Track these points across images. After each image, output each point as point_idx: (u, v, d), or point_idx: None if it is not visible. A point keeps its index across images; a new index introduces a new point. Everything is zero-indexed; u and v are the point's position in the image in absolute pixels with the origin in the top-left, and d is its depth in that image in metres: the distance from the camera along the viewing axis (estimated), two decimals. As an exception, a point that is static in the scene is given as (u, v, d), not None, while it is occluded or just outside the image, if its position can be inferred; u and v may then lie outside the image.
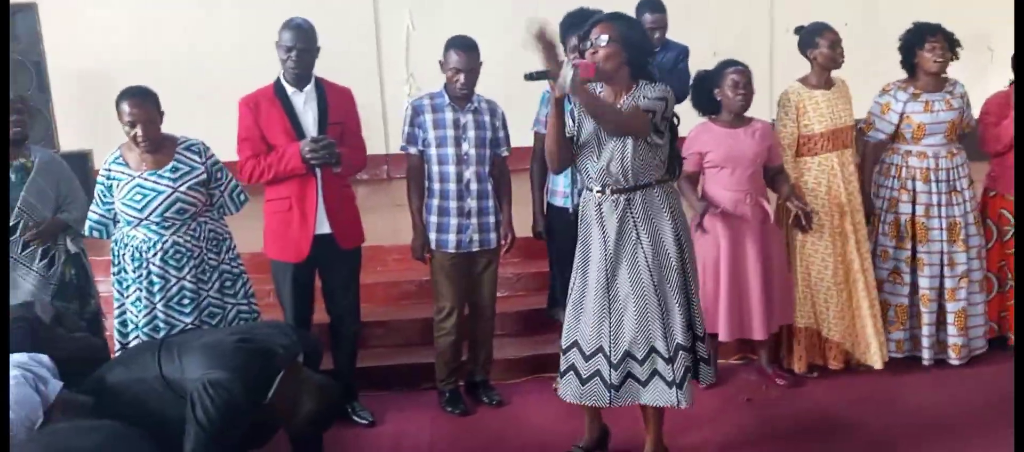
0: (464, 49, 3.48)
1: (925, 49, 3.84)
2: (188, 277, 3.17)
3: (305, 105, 3.40)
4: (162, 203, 3.13)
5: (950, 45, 3.85)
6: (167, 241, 3.14)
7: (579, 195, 3.23)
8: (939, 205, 3.92)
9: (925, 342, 4.01)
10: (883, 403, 3.71)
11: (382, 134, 7.07)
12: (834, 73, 3.90)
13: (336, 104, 3.45)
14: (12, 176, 3.43)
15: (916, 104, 3.90)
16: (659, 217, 2.84)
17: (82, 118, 6.47)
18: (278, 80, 3.42)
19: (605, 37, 2.73)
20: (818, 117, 3.82)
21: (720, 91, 3.63)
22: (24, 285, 3.43)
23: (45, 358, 2.54)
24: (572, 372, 2.98)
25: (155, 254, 3.14)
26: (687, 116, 3.86)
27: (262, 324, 3.05)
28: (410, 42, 7.44)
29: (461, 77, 3.48)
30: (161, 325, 3.14)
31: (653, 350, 2.85)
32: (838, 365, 3.98)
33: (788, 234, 3.91)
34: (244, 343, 2.55)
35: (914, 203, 3.94)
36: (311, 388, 2.59)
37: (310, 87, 3.41)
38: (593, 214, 2.89)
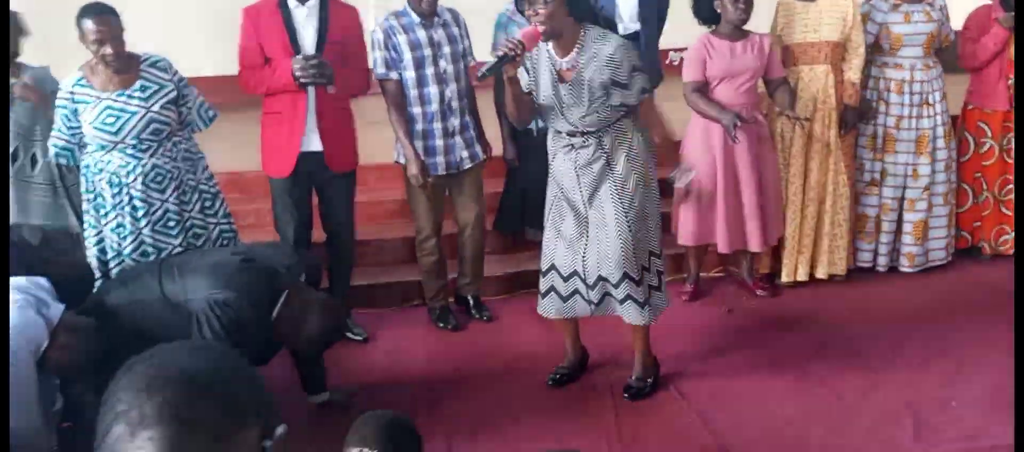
0: None
1: None
2: (171, 199, 3.05)
3: (306, 20, 3.32)
4: (136, 124, 2.98)
5: None
6: (146, 164, 3.01)
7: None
8: (909, 117, 4.01)
9: (882, 249, 4.18)
10: (855, 309, 3.86)
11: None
12: None
13: (338, 22, 3.37)
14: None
15: (896, 15, 3.94)
16: (627, 147, 2.93)
17: (41, 33, 6.21)
18: None
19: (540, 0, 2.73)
20: (794, 29, 3.85)
21: (721, 2, 3.61)
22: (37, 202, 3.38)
23: (43, 281, 2.51)
24: (553, 292, 3.09)
25: (135, 179, 3.00)
26: (689, 25, 3.86)
27: (263, 244, 3.04)
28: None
29: None
30: (149, 249, 3.05)
31: (626, 275, 2.94)
32: (802, 276, 4.09)
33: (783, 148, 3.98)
34: (248, 263, 2.55)
35: (887, 115, 4.03)
36: (315, 306, 2.60)
37: (314, 2, 3.32)
38: (567, 147, 2.95)
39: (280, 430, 0.88)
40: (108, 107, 2.99)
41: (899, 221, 4.16)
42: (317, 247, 3.67)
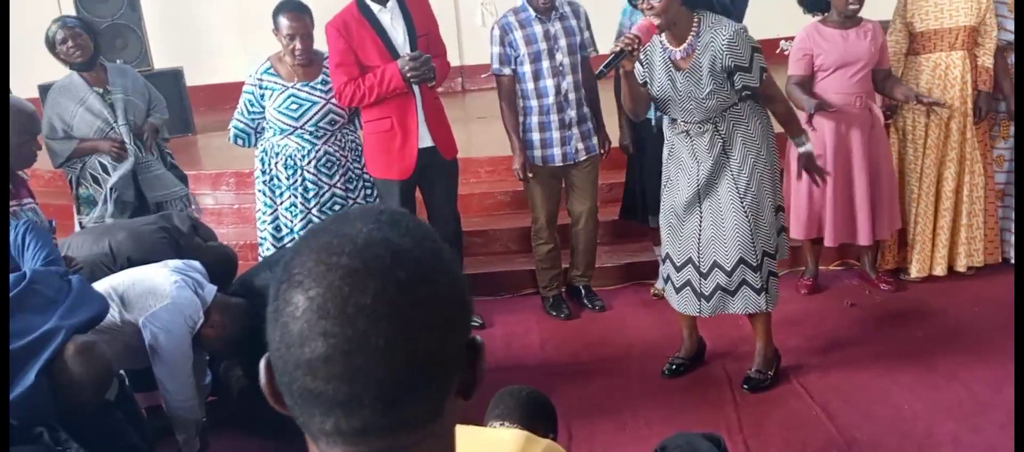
0: None
1: None
2: (338, 184, 3.39)
3: (392, 21, 3.38)
4: (317, 113, 3.32)
5: None
6: (319, 150, 3.34)
7: None
8: None
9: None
10: (989, 304, 3.68)
11: (456, 45, 7.06)
12: None
13: (419, 15, 3.44)
14: (98, 104, 3.53)
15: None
16: (744, 133, 2.89)
17: (173, 36, 6.62)
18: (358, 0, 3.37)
19: None
20: (921, 15, 3.70)
21: None
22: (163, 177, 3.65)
23: (197, 263, 2.70)
24: (669, 282, 3.11)
25: (309, 162, 3.34)
26: (794, 15, 3.79)
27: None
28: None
29: None
30: None
31: (742, 261, 2.92)
32: (922, 272, 3.93)
33: (900, 139, 3.85)
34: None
35: None
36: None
37: (392, 1, 3.38)
38: (682, 135, 2.95)
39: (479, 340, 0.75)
40: (293, 95, 3.30)
41: None
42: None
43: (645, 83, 2.97)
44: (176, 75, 5.99)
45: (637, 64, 2.92)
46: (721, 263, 2.95)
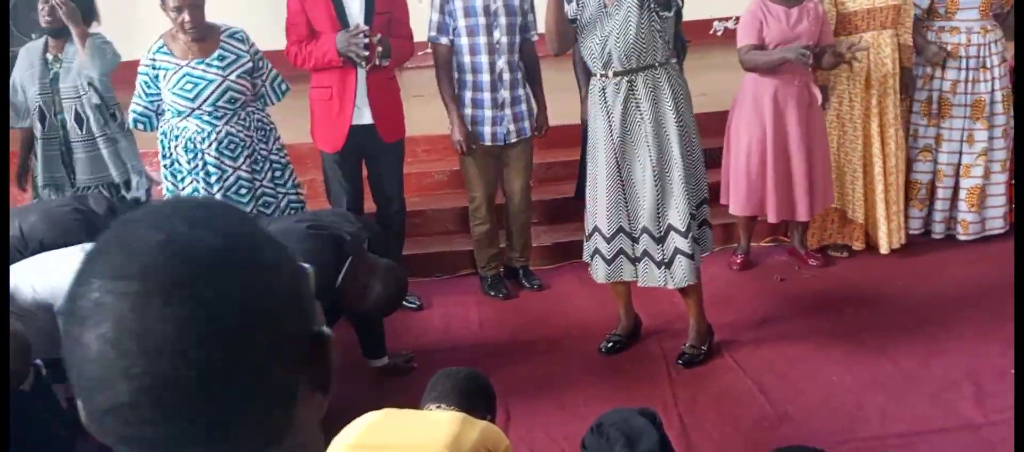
0: None
1: None
2: (243, 167, 3.20)
3: None
4: (213, 92, 3.12)
5: None
6: (220, 131, 3.15)
7: None
8: (966, 82, 3.94)
9: (937, 216, 4.12)
10: (912, 279, 3.82)
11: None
12: None
13: None
14: (41, 72, 3.41)
15: (952, -25, 3.86)
16: (662, 99, 2.88)
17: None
18: None
19: None
20: None
21: None
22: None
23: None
24: (598, 255, 3.08)
25: (210, 144, 3.15)
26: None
27: (327, 212, 3.09)
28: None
29: None
30: None
31: (671, 227, 2.92)
32: (860, 245, 4.06)
33: (838, 120, 3.93)
34: (314, 229, 2.60)
35: (943, 79, 3.96)
36: (379, 272, 2.65)
37: None
38: (597, 99, 2.93)
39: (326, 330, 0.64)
40: (187, 74, 3.11)
41: (955, 188, 4.09)
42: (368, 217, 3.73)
43: (574, 21, 2.94)
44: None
45: (574, 2, 2.91)
46: (649, 228, 2.95)
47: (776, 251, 4.22)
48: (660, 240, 2.95)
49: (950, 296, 3.62)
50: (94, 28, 3.48)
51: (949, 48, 3.93)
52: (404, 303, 3.68)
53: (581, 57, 3.67)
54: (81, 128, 3.44)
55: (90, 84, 3.40)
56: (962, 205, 4.09)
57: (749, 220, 3.97)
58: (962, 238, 4.13)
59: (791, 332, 3.40)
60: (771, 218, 3.81)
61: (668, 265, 2.97)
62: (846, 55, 3.55)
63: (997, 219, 4.16)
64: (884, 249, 3.98)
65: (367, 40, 3.24)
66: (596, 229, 3.06)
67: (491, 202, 3.79)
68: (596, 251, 3.08)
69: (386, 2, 3.37)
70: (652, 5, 2.79)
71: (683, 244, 2.94)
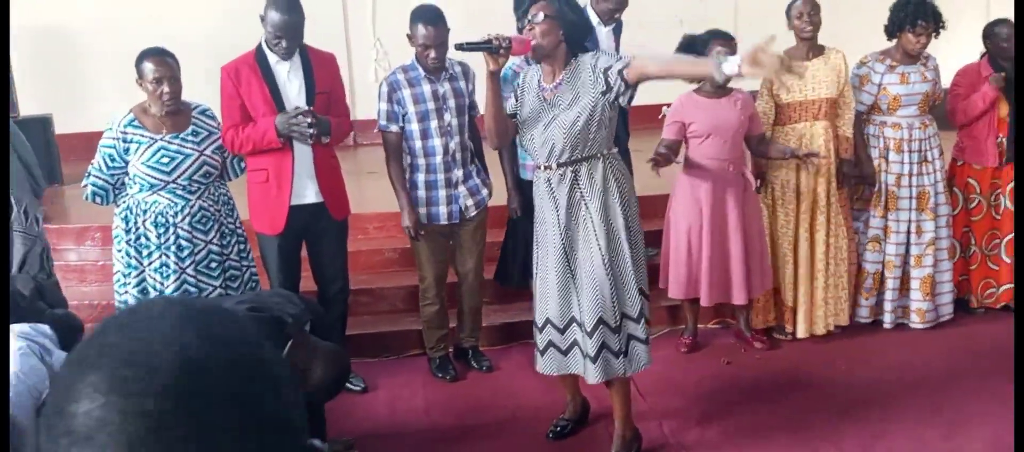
0: (432, 22, 3.42)
1: (911, 31, 3.93)
2: (214, 241, 3.21)
3: (289, 75, 3.32)
4: (190, 166, 3.16)
5: (936, 26, 3.95)
6: (194, 205, 3.17)
7: None
8: (910, 174, 4.08)
9: (887, 306, 4.20)
10: (855, 363, 3.87)
11: (348, 99, 6.96)
12: (830, 41, 4.00)
13: (322, 73, 3.39)
14: None
15: (892, 76, 4.03)
16: (606, 189, 2.87)
17: (43, 81, 6.25)
18: (260, 47, 3.32)
19: (541, 15, 2.76)
20: (797, 86, 3.91)
21: None
22: (15, 244, 3.37)
23: (45, 328, 2.49)
24: (552, 347, 3.01)
25: (183, 218, 3.15)
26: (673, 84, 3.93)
27: (269, 292, 3.04)
28: (376, 5, 7.35)
29: (431, 52, 3.44)
30: (191, 289, 3.18)
31: (601, 321, 2.87)
32: (792, 328, 4.10)
33: (771, 206, 4.03)
34: (254, 312, 2.54)
35: (887, 173, 4.09)
36: (321, 355, 2.59)
37: (296, 58, 3.32)
38: (544, 189, 2.92)
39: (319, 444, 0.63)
40: (163, 148, 3.13)
41: (903, 278, 4.19)
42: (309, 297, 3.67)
43: (514, 115, 2.95)
44: (44, 122, 5.66)
45: (512, 98, 2.94)
46: (584, 323, 2.90)
47: (723, 333, 4.26)
48: (616, 330, 2.90)
49: (891, 380, 3.67)
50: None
51: (892, 143, 4.06)
52: (348, 386, 3.61)
53: (507, 147, 3.62)
54: None
55: None
56: (916, 295, 4.17)
57: (693, 302, 4.01)
58: (916, 326, 4.19)
59: (737, 416, 3.40)
60: (704, 302, 3.86)
61: (625, 353, 2.94)
62: (798, 156, 3.69)
63: (946, 305, 4.26)
64: (801, 333, 4.03)
65: (309, 121, 3.22)
66: (548, 321, 3.00)
67: (442, 282, 3.77)
68: (550, 343, 3.01)
69: (325, 82, 3.39)
70: (607, 101, 2.78)
71: (637, 330, 2.93)
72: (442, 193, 3.60)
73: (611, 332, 2.89)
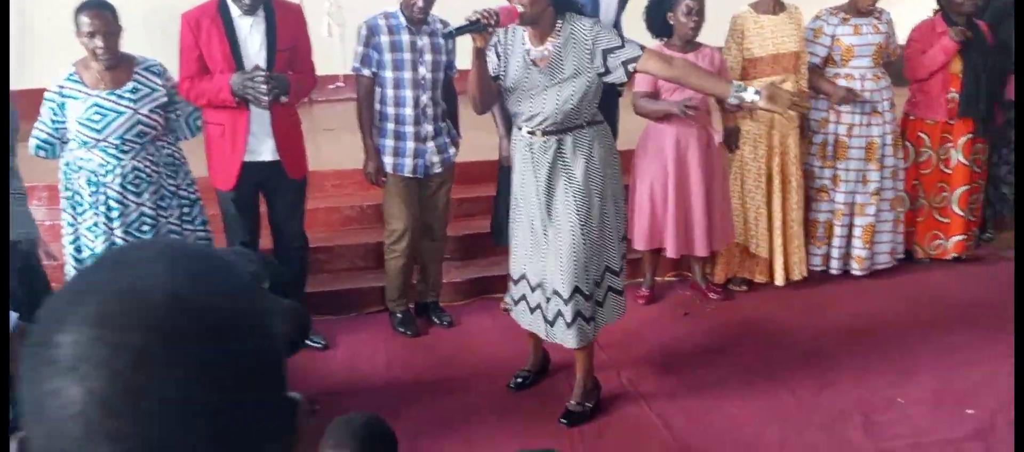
0: None
1: None
2: (148, 203, 3.08)
3: (251, 29, 3.23)
4: (122, 125, 3.01)
5: None
6: (126, 165, 3.03)
7: None
8: (860, 125, 4.16)
9: (834, 252, 4.32)
10: (807, 312, 3.97)
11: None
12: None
13: (286, 28, 3.31)
14: None
15: (845, 27, 4.09)
16: (590, 156, 2.88)
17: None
18: None
19: None
20: (760, 42, 3.95)
21: (673, 16, 3.70)
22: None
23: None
24: (524, 302, 3.08)
25: (114, 179, 3.03)
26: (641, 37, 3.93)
27: (224, 250, 2.99)
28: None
29: (420, 1, 3.41)
30: None
31: (577, 290, 2.90)
32: (764, 278, 4.22)
33: (742, 161, 4.08)
34: (210, 269, 2.50)
35: (838, 123, 4.17)
36: (278, 312, 2.57)
37: (259, 11, 3.23)
38: (525, 153, 2.92)
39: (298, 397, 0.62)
40: (97, 105, 3.01)
41: (850, 226, 4.30)
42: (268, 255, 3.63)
43: (498, 77, 2.92)
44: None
45: (493, 54, 2.89)
46: (559, 290, 2.92)
47: (680, 285, 4.33)
48: (589, 297, 2.91)
49: (841, 329, 3.78)
50: None
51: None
52: (308, 343, 3.61)
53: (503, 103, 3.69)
54: None
55: None
56: (857, 242, 4.29)
57: (653, 255, 4.06)
58: (856, 273, 4.33)
59: (695, 365, 3.48)
60: (670, 253, 3.92)
61: (600, 304, 2.98)
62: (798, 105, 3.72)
63: (884, 255, 4.39)
64: (780, 281, 4.14)
65: (265, 86, 3.14)
66: (524, 277, 3.04)
67: (411, 234, 3.74)
68: (524, 297, 3.07)
69: (289, 36, 3.32)
70: (589, 62, 2.76)
71: (616, 282, 2.98)
72: (409, 145, 3.57)
73: (585, 300, 2.92)
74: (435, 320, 3.90)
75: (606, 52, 2.75)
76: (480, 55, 2.77)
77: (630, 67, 2.75)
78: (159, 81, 3.13)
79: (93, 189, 3.04)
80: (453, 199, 3.93)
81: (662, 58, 2.85)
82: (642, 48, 2.78)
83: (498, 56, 2.91)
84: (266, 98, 3.16)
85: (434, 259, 3.88)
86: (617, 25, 4.10)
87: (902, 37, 4.35)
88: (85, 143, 3.03)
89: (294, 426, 0.61)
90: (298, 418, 0.62)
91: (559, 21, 2.80)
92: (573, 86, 2.78)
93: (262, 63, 3.23)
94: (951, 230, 4.46)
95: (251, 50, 3.24)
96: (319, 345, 3.64)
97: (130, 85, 3.06)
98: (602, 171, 2.91)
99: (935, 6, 4.32)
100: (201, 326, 0.53)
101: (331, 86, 6.59)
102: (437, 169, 3.64)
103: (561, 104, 2.80)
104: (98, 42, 2.95)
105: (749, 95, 2.66)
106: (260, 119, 3.30)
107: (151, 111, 3.08)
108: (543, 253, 2.96)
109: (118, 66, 3.05)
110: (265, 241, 3.61)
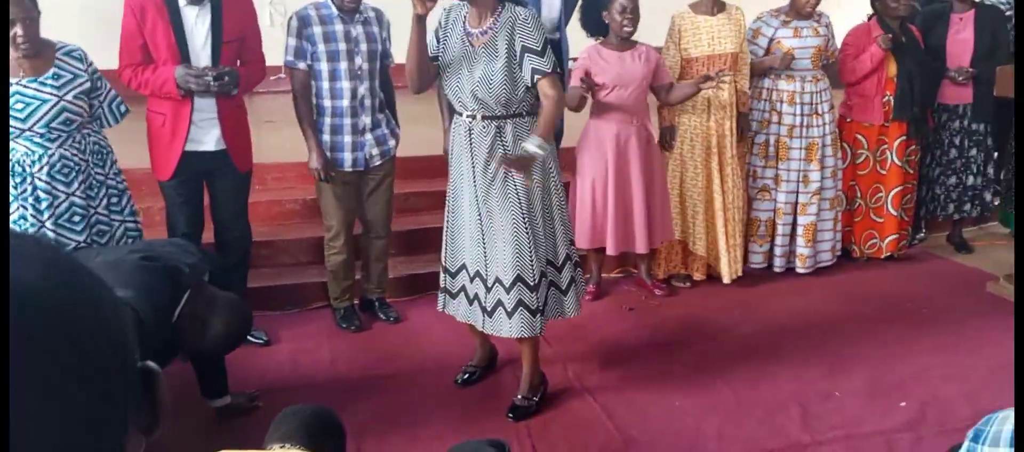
0: None
1: None
2: (77, 192, 2.96)
3: (197, 19, 3.16)
4: (47, 113, 2.89)
5: None
6: (53, 154, 2.91)
7: None
8: (801, 126, 4.27)
9: (777, 251, 4.42)
10: (748, 308, 4.06)
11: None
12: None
13: (233, 19, 3.24)
14: None
15: (786, 30, 4.20)
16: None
17: None
18: None
19: None
20: (696, 43, 4.02)
21: (608, 15, 3.74)
22: None
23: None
24: (462, 293, 3.06)
25: (41, 169, 2.90)
26: (575, 36, 3.98)
27: (163, 242, 2.91)
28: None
29: None
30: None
31: (519, 279, 2.89)
32: (701, 276, 4.30)
33: (680, 161, 4.14)
34: (147, 261, 2.43)
35: (780, 124, 4.27)
36: (220, 305, 2.51)
37: (206, 1, 3.16)
38: (463, 137, 2.90)
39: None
40: (19, 94, 2.88)
41: (793, 225, 4.40)
42: (209, 248, 3.55)
43: (436, 58, 2.90)
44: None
45: (433, 36, 2.87)
46: (501, 278, 2.91)
47: (625, 282, 4.38)
48: (535, 288, 2.89)
49: (780, 324, 3.87)
50: None
51: (784, 96, 4.23)
52: (249, 338, 3.53)
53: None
54: None
55: None
56: (800, 241, 4.40)
57: (598, 252, 4.10)
58: (800, 271, 4.43)
59: (638, 359, 3.52)
60: (610, 250, 3.96)
61: (542, 311, 2.95)
62: (709, 78, 3.74)
63: (825, 252, 4.51)
64: (727, 279, 4.21)
65: (214, 85, 3.10)
66: (464, 267, 3.01)
67: (349, 230, 3.70)
68: (462, 289, 3.04)
69: (236, 28, 3.25)
70: (518, 51, 2.75)
71: (529, 298, 2.90)
72: (347, 139, 3.52)
73: (529, 290, 2.90)
74: (381, 316, 3.86)
75: (525, 49, 2.76)
76: (420, 23, 2.75)
77: (535, 77, 2.76)
78: (81, 66, 3.01)
79: (19, 180, 2.91)
80: (396, 194, 3.89)
81: (555, 89, 2.78)
82: (554, 70, 2.78)
83: (438, 39, 2.90)
84: (214, 91, 3.11)
85: (378, 257, 3.83)
86: (560, 29, 4.13)
87: (838, 41, 4.48)
88: (9, 133, 2.91)
89: (150, 395, 0.60)
90: (156, 388, 0.61)
91: (500, 6, 2.81)
92: (505, 69, 2.77)
93: (207, 54, 3.16)
94: (886, 230, 4.60)
95: (197, 41, 3.17)
96: (261, 341, 3.57)
97: (52, 72, 2.93)
98: (543, 162, 2.89)
99: (870, 11, 4.46)
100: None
101: (273, 77, 6.45)
102: (377, 161, 3.60)
103: (493, 85, 2.78)
104: (17, 29, 2.82)
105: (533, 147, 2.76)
106: (205, 109, 3.23)
107: (75, 97, 2.96)
108: (483, 241, 2.94)
109: (38, 53, 2.92)
110: (207, 234, 3.53)
